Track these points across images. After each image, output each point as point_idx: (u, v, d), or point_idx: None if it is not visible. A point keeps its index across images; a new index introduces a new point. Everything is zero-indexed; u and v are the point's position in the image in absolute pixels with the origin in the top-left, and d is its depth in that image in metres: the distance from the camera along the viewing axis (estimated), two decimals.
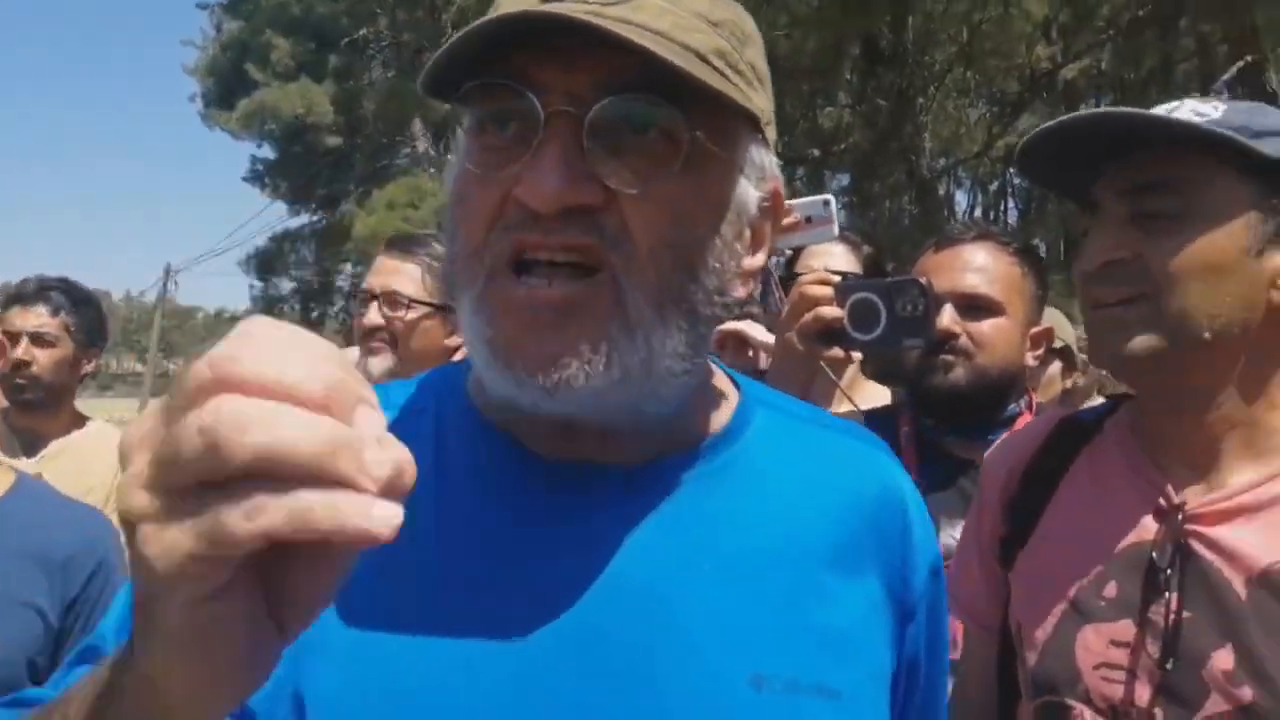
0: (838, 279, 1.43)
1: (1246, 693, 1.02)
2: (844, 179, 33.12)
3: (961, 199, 40.09)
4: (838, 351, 1.50)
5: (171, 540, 0.41)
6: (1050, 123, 1.14)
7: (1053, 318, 3.33)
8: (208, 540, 0.41)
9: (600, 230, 0.66)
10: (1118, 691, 1.08)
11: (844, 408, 1.79)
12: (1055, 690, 1.12)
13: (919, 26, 19.21)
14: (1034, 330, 1.74)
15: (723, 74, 0.67)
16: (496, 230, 0.67)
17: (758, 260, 0.75)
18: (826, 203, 1.60)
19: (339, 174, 29.05)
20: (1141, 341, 1.06)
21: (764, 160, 0.74)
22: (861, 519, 0.79)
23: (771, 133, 0.75)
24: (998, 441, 1.44)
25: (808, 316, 1.42)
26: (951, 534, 1.53)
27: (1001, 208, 42.30)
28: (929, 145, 21.01)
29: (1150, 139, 1.09)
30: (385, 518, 0.42)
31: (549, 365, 0.66)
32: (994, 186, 40.93)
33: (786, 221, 1.26)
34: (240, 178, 32.10)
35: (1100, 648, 1.10)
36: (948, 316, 1.63)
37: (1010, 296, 1.69)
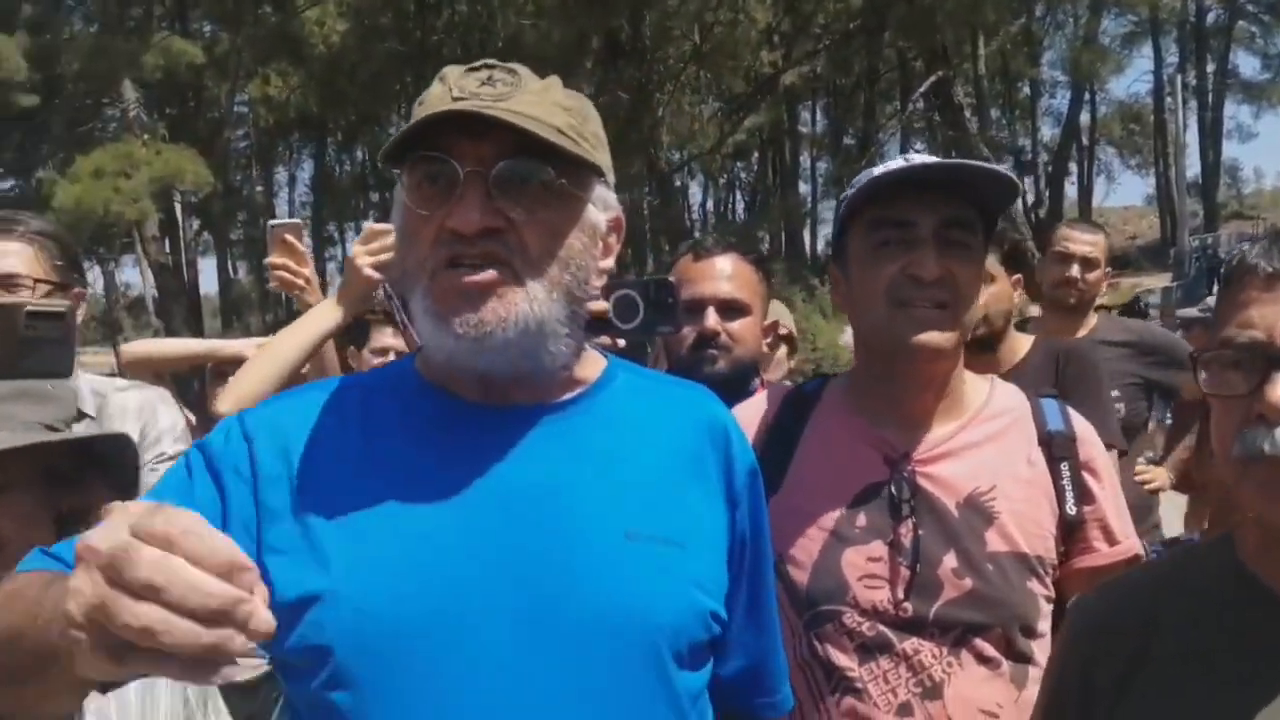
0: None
1: (968, 582, 1.38)
2: None
3: (696, 191, 42.06)
4: (605, 339, 1.73)
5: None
6: (920, 163, 1.41)
7: (777, 308, 3.70)
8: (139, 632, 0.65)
9: (505, 244, 1.01)
10: (879, 595, 1.38)
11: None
12: (827, 600, 1.40)
13: (656, 23, 19.95)
14: (765, 323, 2.09)
15: (574, 140, 1.03)
16: (436, 248, 1.01)
17: (609, 263, 1.12)
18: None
19: (35, 137, 26.18)
20: (940, 337, 1.39)
21: (607, 197, 1.10)
22: (698, 437, 1.15)
23: (610, 178, 1.11)
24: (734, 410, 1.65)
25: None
26: None
27: (731, 201, 44.74)
28: (666, 139, 21.91)
29: (957, 185, 1.40)
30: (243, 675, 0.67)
31: (477, 323, 0.99)
32: (723, 180, 43.19)
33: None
34: None
35: (861, 563, 1.40)
36: (711, 318, 1.92)
37: (753, 299, 2.00)
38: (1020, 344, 2.71)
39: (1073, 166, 36.24)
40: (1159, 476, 3.34)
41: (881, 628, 1.38)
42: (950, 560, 1.38)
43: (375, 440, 1.06)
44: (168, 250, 27.16)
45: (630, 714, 1.01)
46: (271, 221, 2.33)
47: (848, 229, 1.46)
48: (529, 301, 1.01)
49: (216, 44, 27.00)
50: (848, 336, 4.09)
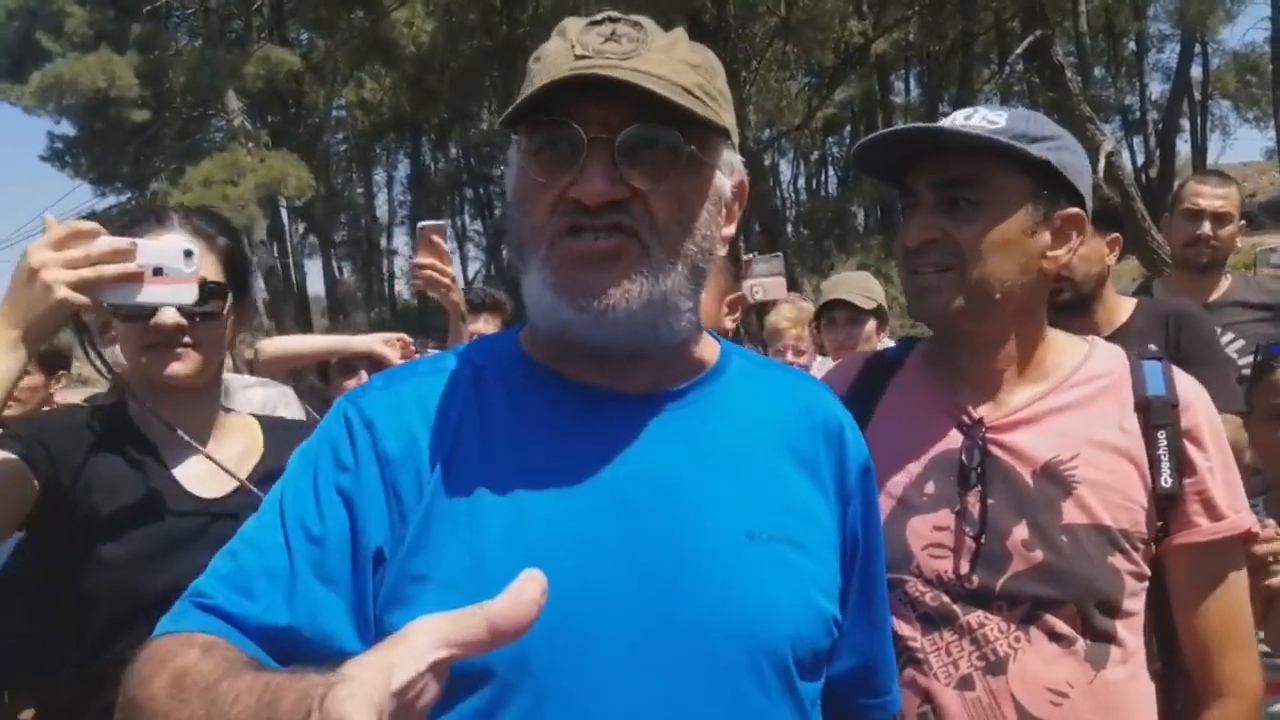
0: None
1: (1038, 555, 1.34)
2: None
3: (786, 169, 41.53)
4: None
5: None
6: (875, 134, 1.42)
7: (865, 281, 3.63)
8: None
9: (631, 214, 0.96)
10: (944, 565, 1.36)
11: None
12: (891, 569, 1.33)
13: (740, 1, 19.73)
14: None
15: (704, 102, 0.96)
16: (555, 216, 0.96)
17: (730, 230, 1.07)
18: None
19: (148, 150, 27.37)
20: (946, 299, 1.36)
21: (733, 160, 1.05)
22: (812, 430, 1.10)
23: (735, 139, 1.04)
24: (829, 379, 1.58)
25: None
26: None
27: (823, 177, 44.05)
28: (754, 118, 21.67)
29: (950, 146, 1.37)
30: None
31: (600, 294, 0.95)
32: (814, 157, 42.56)
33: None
34: (38, 156, 29.78)
35: (926, 532, 1.38)
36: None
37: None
38: (1120, 306, 2.59)
39: (1185, 123, 34.49)
40: None
41: (945, 599, 1.35)
42: (1021, 531, 1.34)
43: (492, 426, 1.01)
44: (275, 254, 28.13)
45: (751, 714, 0.96)
46: (420, 223, 2.35)
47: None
48: (655, 274, 0.97)
49: (313, 51, 27.77)
50: None
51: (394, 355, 2.74)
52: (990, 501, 1.35)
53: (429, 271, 2.30)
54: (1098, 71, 31.85)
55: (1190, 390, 1.43)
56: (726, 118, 1.01)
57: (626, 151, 0.94)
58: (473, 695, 0.90)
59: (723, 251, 1.06)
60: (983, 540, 1.34)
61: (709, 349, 1.10)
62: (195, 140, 26.49)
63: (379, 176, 42.64)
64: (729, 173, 1.04)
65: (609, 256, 0.95)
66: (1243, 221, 3.17)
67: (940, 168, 1.37)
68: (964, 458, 1.38)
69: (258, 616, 0.91)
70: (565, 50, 0.96)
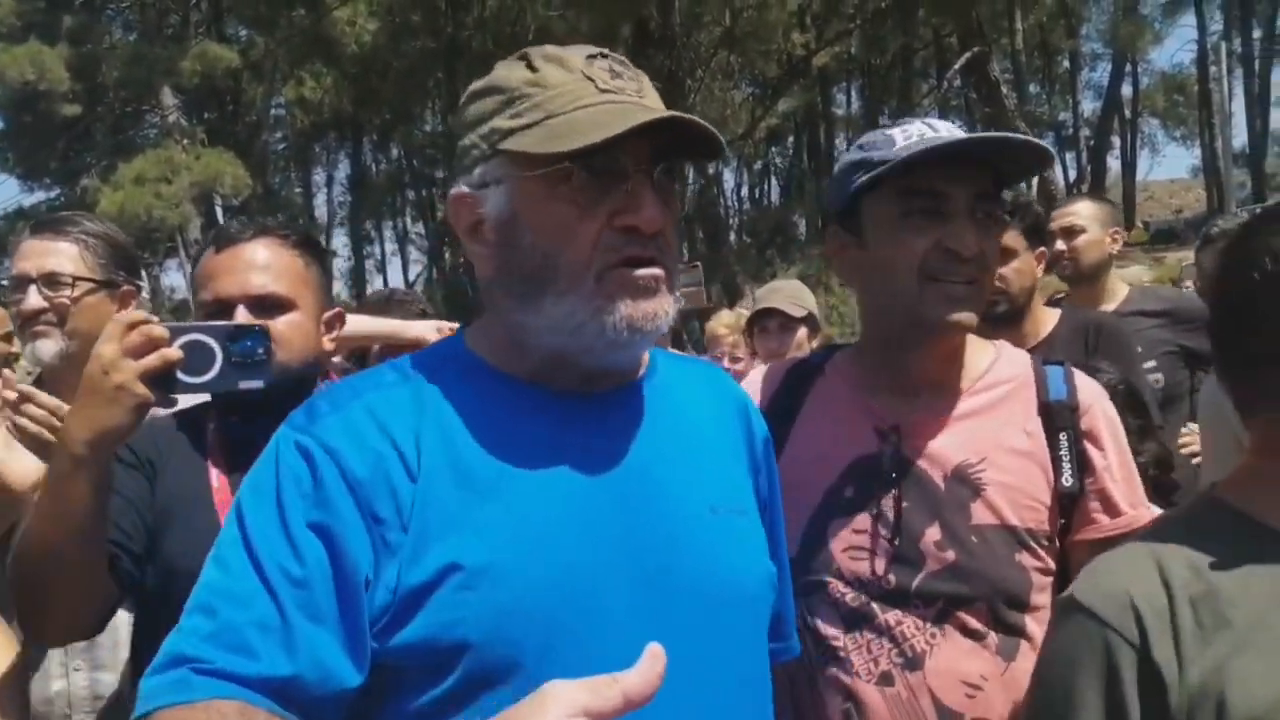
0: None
1: (950, 555, 1.38)
2: None
3: (730, 178, 41.87)
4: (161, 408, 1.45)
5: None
6: (951, 141, 1.36)
7: (795, 288, 3.70)
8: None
9: (658, 244, 1.03)
10: (862, 566, 1.39)
11: None
12: (813, 571, 1.40)
13: (685, 10, 19.86)
14: (327, 315, 1.77)
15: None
16: (602, 246, 1.01)
17: None
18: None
19: (78, 145, 26.65)
20: (967, 316, 1.38)
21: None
22: (728, 411, 1.22)
23: None
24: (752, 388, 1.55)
25: (152, 358, 1.32)
26: None
27: (765, 186, 44.47)
28: None
29: (978, 159, 1.38)
30: None
31: (653, 319, 1.02)
32: (758, 166, 42.96)
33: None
34: None
35: (846, 535, 1.41)
36: (242, 319, 1.60)
37: (299, 290, 1.69)
38: (1046, 318, 2.72)
39: (1115, 140, 35.56)
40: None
41: (864, 598, 1.38)
42: (934, 533, 1.38)
43: (471, 432, 1.03)
44: None
45: (744, 680, 1.07)
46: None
47: (863, 192, 1.39)
48: (672, 304, 1.05)
49: (251, 48, 27.33)
50: None
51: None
52: (905, 504, 1.39)
53: None
54: (1032, 88, 32.72)
55: (1090, 393, 1.48)
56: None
57: (660, 184, 1.02)
58: (514, 671, 0.94)
59: None
60: (898, 542, 1.38)
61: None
62: (128, 136, 25.90)
63: (318, 176, 42.03)
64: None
65: (659, 282, 1.03)
66: (1115, 229, 3.33)
67: (974, 180, 1.38)
68: (883, 462, 1.41)
69: (263, 673, 0.90)
70: (580, 82, 1.02)
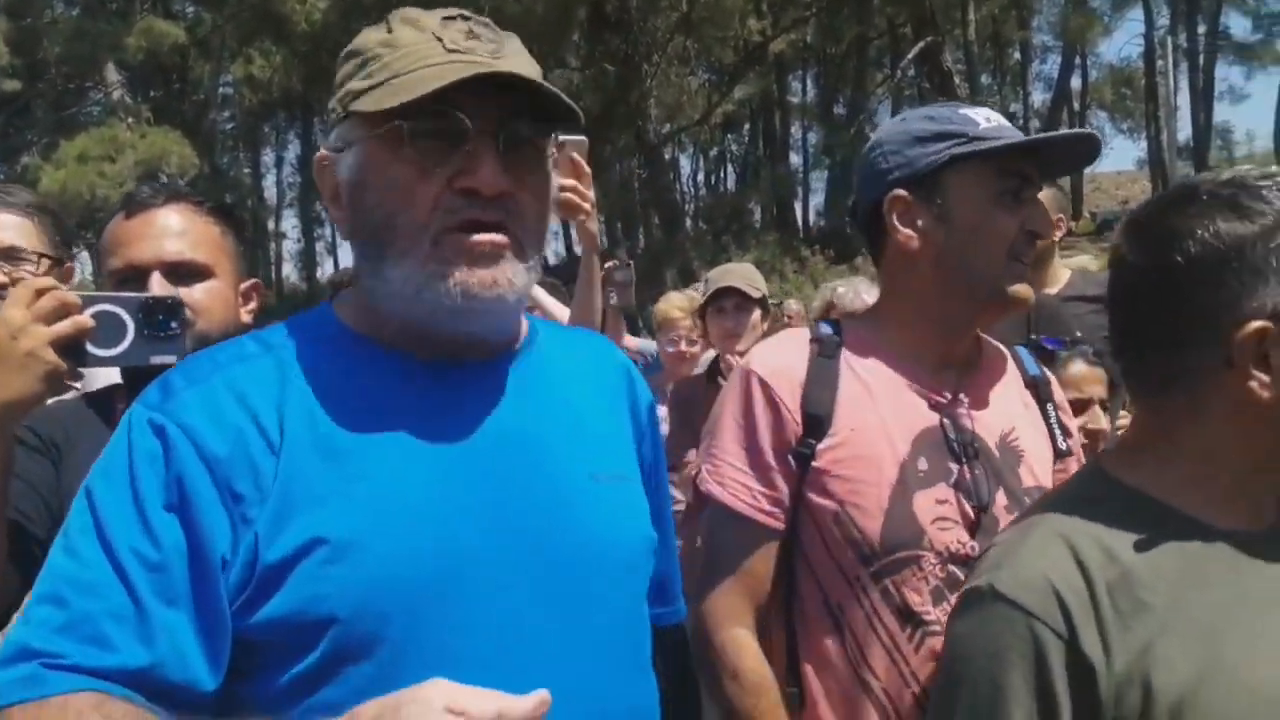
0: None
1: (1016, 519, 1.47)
2: None
3: (686, 164, 41.85)
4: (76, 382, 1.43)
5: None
6: (1074, 134, 1.47)
7: (747, 271, 3.70)
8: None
9: (507, 210, 1.00)
10: (950, 536, 1.42)
11: None
12: (905, 546, 1.40)
13: None
14: (244, 286, 1.71)
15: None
16: (441, 209, 0.98)
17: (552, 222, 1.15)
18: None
19: (18, 122, 25.91)
20: (1031, 293, 1.47)
21: (553, 152, 1.09)
22: (611, 379, 1.23)
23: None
24: (756, 353, 1.56)
25: (65, 324, 1.27)
26: None
27: (721, 173, 44.53)
28: (654, 111, 21.78)
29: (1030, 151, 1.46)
30: None
31: (491, 286, 0.99)
32: (714, 153, 42.98)
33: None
34: None
35: (932, 507, 1.42)
36: (158, 286, 1.52)
37: (216, 257, 1.62)
38: None
39: (1064, 130, 36.06)
40: None
41: (952, 568, 1.40)
42: (1001, 498, 1.45)
43: (335, 403, 1.00)
44: None
45: (623, 644, 1.07)
46: (560, 138, 1.96)
47: (944, 165, 1.42)
48: (527, 273, 1.03)
49: (199, 25, 26.74)
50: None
51: None
52: (976, 473, 1.45)
53: (568, 195, 1.98)
54: (984, 79, 33.06)
55: (1046, 369, 1.66)
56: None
57: (509, 146, 0.99)
58: (381, 645, 0.93)
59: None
60: (979, 511, 1.43)
61: (521, 320, 1.18)
62: (71, 113, 25.21)
63: (267, 157, 41.32)
64: (554, 169, 1.12)
65: (498, 249, 0.99)
66: (1058, 216, 3.38)
67: (1037, 169, 1.47)
68: (950, 434, 1.45)
69: (121, 664, 0.89)
70: (429, 42, 0.99)
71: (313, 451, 0.97)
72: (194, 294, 1.55)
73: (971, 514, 1.43)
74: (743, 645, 1.44)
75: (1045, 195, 3.36)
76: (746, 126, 37.14)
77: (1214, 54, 34.90)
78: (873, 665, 1.38)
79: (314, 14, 26.06)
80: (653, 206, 23.86)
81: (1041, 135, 1.47)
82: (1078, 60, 35.58)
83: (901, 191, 1.45)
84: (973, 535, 1.42)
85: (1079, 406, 2.28)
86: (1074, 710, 0.97)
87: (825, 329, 1.54)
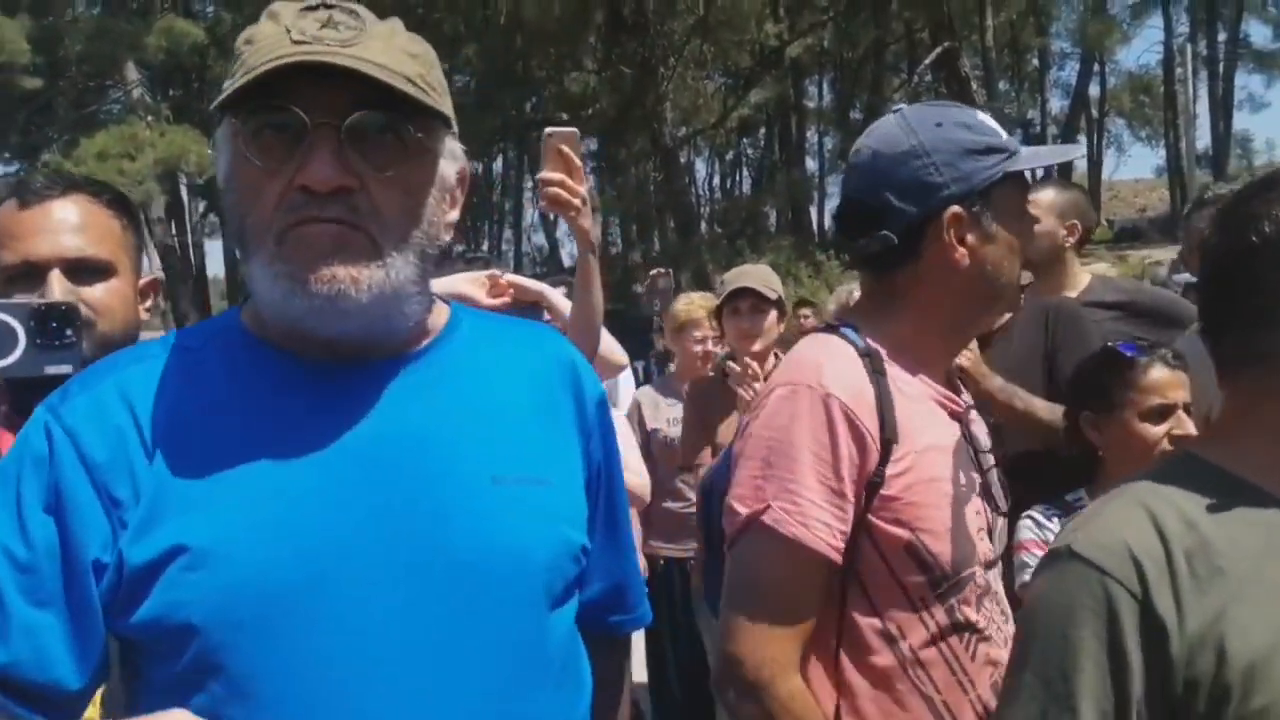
0: None
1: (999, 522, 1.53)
2: (592, 143, 33.49)
3: (701, 167, 41.83)
4: None
5: None
6: (1071, 149, 1.58)
7: (763, 272, 3.69)
8: None
9: (355, 207, 0.96)
10: (985, 546, 1.44)
11: None
12: (967, 564, 1.38)
13: None
14: (143, 283, 1.61)
15: (425, 91, 0.98)
16: (283, 207, 0.95)
17: (454, 216, 1.08)
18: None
19: (39, 119, 26.12)
20: None
21: (454, 147, 1.06)
22: (548, 375, 1.15)
23: (455, 129, 1.07)
24: (827, 375, 1.40)
25: None
26: None
27: (737, 177, 44.48)
28: (670, 114, 21.78)
29: None
30: None
31: (330, 280, 0.95)
32: (729, 156, 42.93)
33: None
34: None
35: (975, 519, 1.43)
36: (58, 287, 1.42)
37: (117, 254, 1.52)
38: None
39: (1082, 139, 35.89)
40: None
41: (988, 575, 1.45)
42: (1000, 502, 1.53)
43: (218, 406, 1.00)
44: (174, 232, 27.14)
45: (515, 656, 1.01)
46: (547, 129, 1.95)
47: (995, 182, 1.43)
48: (386, 269, 0.97)
49: (219, 24, 26.88)
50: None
51: (482, 295, 2.26)
52: (990, 478, 1.50)
53: (554, 190, 1.89)
54: (1002, 85, 32.95)
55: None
56: (446, 106, 1.03)
57: (354, 138, 0.95)
58: (236, 654, 0.92)
59: (447, 237, 1.06)
60: (998, 518, 1.47)
61: (438, 315, 1.13)
62: (91, 111, 25.38)
63: None
64: (451, 159, 1.06)
65: (338, 243, 0.95)
66: (1073, 222, 3.30)
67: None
68: (973, 444, 1.48)
69: None
70: (279, 34, 0.95)
71: (188, 456, 0.97)
72: (95, 293, 1.46)
73: (992, 521, 1.46)
74: (806, 700, 1.35)
75: (1068, 197, 3.34)
76: (762, 130, 37.10)
77: (1234, 62, 34.69)
78: (935, 679, 1.36)
79: None
80: (668, 209, 23.86)
81: (1057, 153, 1.61)
82: (1096, 67, 35.41)
83: (958, 208, 1.40)
84: (991, 540, 1.46)
85: (1163, 413, 2.20)
86: (1145, 669, 0.98)
87: (854, 337, 1.46)
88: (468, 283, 2.31)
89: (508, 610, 1.00)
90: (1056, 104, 39.07)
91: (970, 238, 1.41)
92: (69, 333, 1.31)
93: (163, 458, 0.96)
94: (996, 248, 1.42)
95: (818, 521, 1.33)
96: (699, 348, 3.88)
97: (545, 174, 1.92)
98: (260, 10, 1.02)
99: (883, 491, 1.35)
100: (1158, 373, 2.22)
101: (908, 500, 1.35)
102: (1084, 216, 3.30)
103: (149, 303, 1.64)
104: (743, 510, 1.36)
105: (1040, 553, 2.20)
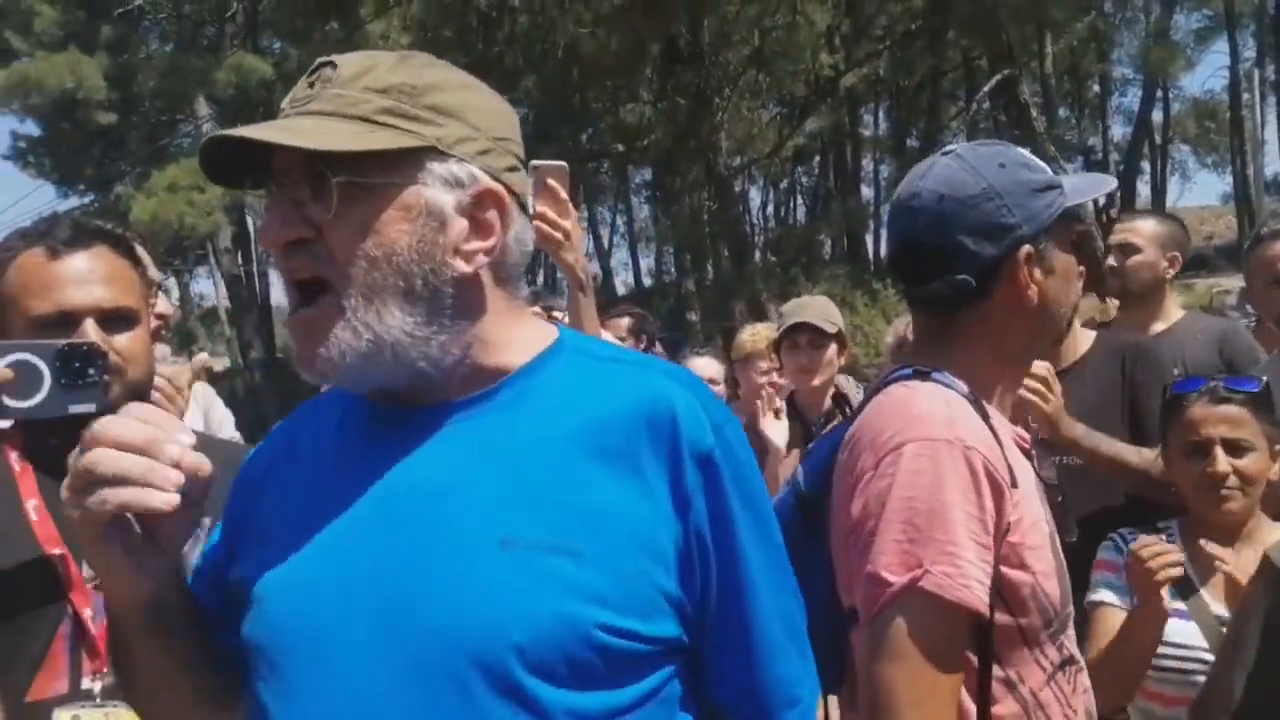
0: None
1: None
2: (646, 174, 33.66)
3: (755, 196, 41.82)
4: None
5: (74, 513, 0.95)
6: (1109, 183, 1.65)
7: (824, 305, 3.65)
8: (83, 513, 0.94)
9: (313, 255, 0.98)
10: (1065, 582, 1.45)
11: None
12: (1068, 600, 1.43)
13: (715, 29, 19.89)
14: (153, 326, 1.67)
15: (387, 126, 0.97)
16: (283, 271, 1.02)
17: (485, 243, 1.02)
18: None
19: (113, 153, 27.01)
20: None
21: (454, 171, 1.00)
22: (631, 423, 1.00)
23: (470, 147, 1.01)
24: (959, 426, 1.36)
25: None
26: None
27: (791, 205, 44.37)
28: (725, 144, 21.81)
29: None
30: (161, 502, 0.93)
31: (311, 362, 1.00)
32: (784, 185, 42.85)
33: None
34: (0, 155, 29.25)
35: (1059, 554, 1.45)
36: (94, 333, 1.46)
37: (140, 303, 1.58)
38: (1081, 339, 2.67)
39: (1145, 166, 35.26)
40: None
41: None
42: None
43: (316, 450, 1.11)
44: (240, 262, 27.81)
45: None
46: (534, 162, 1.86)
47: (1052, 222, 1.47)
48: (351, 327, 0.96)
49: (285, 59, 27.62)
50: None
51: None
52: (1056, 511, 1.52)
53: (538, 224, 1.81)
54: (1062, 112, 32.52)
55: None
56: (430, 131, 0.98)
57: (310, 189, 0.97)
58: (266, 690, 1.02)
59: (469, 267, 1.00)
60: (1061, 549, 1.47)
61: (520, 353, 1.06)
62: (162, 145, 26.17)
63: None
64: (448, 186, 0.99)
65: (310, 326, 0.99)
66: (1174, 254, 3.23)
67: None
68: (1044, 482, 1.52)
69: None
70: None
71: (272, 490, 1.11)
72: (123, 342, 1.51)
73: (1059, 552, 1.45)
74: None
75: (1169, 229, 3.27)
76: (817, 159, 37.00)
77: None
78: (1050, 718, 1.36)
79: (396, 48, 26.78)
80: (722, 238, 23.86)
81: (1096, 184, 1.62)
82: (1159, 93, 34.78)
83: (1029, 247, 1.43)
84: None
85: (1199, 449, 2.14)
86: None
87: (949, 379, 1.43)
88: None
89: (465, 683, 0.92)
90: (1118, 131, 38.47)
91: (1038, 273, 1.44)
92: (92, 372, 1.33)
93: (263, 488, 1.12)
94: (1058, 280, 1.46)
95: (976, 582, 1.28)
96: (764, 378, 3.88)
97: (534, 208, 1.91)
98: (325, 47, 1.07)
99: (1009, 538, 1.34)
100: (1196, 409, 2.16)
101: (1027, 544, 1.35)
102: (1183, 248, 3.24)
103: (155, 343, 1.76)
104: (894, 578, 1.28)
105: (1113, 575, 2.16)
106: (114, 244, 1.57)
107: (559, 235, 1.88)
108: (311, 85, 1.00)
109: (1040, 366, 2.35)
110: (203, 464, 0.94)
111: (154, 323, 1.73)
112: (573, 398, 1.03)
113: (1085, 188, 1.55)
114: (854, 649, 1.44)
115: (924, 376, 1.43)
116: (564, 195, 1.86)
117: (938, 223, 1.44)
